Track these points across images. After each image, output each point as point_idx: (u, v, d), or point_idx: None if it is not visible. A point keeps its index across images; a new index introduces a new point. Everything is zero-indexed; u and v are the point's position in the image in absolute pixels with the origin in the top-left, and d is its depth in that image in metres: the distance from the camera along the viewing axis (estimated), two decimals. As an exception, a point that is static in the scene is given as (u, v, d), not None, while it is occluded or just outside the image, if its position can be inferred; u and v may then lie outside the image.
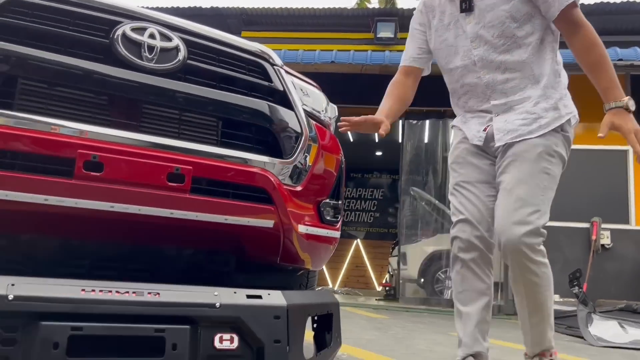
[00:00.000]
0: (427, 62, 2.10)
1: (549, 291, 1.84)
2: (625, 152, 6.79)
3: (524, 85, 1.86)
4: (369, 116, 1.99)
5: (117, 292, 1.29)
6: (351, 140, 11.73)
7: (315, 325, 1.84)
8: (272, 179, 1.67)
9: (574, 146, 1.99)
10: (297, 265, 1.89)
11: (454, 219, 1.96)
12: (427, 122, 8.43)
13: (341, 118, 2.00)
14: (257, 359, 1.42)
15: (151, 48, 1.54)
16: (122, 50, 1.50)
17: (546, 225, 1.79)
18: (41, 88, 1.44)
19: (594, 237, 6.53)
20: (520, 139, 1.82)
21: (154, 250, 1.71)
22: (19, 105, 1.39)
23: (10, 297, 1.17)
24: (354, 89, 7.75)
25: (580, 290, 4.90)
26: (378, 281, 13.05)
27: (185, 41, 1.62)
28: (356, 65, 7.40)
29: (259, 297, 1.47)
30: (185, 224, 1.53)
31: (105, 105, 1.53)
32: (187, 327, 1.33)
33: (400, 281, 8.34)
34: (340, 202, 2.02)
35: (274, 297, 1.49)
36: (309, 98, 1.97)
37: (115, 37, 1.50)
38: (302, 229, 1.78)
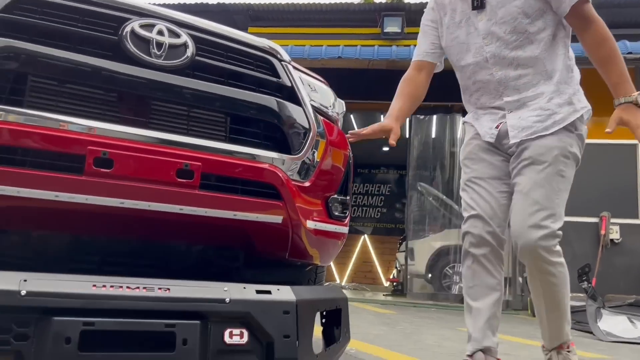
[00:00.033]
0: (439, 57, 2.09)
1: (565, 288, 1.87)
2: (635, 146, 6.74)
3: (536, 81, 1.86)
4: (377, 125, 1.99)
5: (127, 287, 1.30)
6: (358, 135, 11.71)
7: (324, 321, 1.84)
8: (281, 175, 1.67)
9: (583, 141, 1.98)
10: (306, 260, 1.89)
11: (465, 214, 1.95)
12: (435, 117, 8.40)
13: (349, 132, 2.00)
14: (266, 354, 1.43)
15: (160, 45, 1.54)
16: (131, 47, 1.50)
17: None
18: (51, 85, 1.44)
19: (602, 232, 6.50)
20: (535, 135, 1.82)
21: (163, 246, 1.72)
22: (29, 103, 1.40)
23: (23, 292, 1.18)
24: (361, 84, 7.74)
25: (589, 285, 4.88)
26: (385, 277, 13.06)
27: (193, 37, 1.62)
28: (363, 60, 7.37)
29: (269, 292, 1.48)
30: (194, 220, 1.54)
31: (114, 102, 1.54)
32: (197, 322, 1.33)
33: (408, 276, 8.34)
34: (348, 197, 2.02)
35: (283, 293, 1.50)
36: (316, 94, 1.97)
37: (123, 34, 1.51)
38: (310, 224, 1.78)
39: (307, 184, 1.78)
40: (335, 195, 1.94)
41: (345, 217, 2.00)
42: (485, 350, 1.86)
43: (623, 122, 1.77)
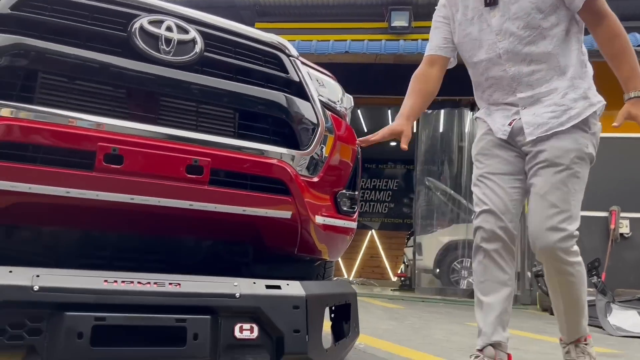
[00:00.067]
0: (452, 52, 2.08)
1: (583, 286, 1.90)
2: (645, 139, 6.67)
3: (549, 76, 1.86)
4: (387, 129, 1.99)
5: (138, 282, 1.31)
6: (365, 130, 11.71)
7: (332, 315, 1.85)
8: (289, 170, 1.68)
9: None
10: (315, 255, 1.90)
11: (477, 209, 1.95)
12: (442, 111, 8.37)
13: (359, 140, 1.98)
14: (276, 349, 1.43)
15: (168, 41, 1.55)
16: (140, 43, 1.51)
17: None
18: (61, 82, 1.45)
19: (612, 226, 6.45)
20: (550, 132, 1.82)
21: (173, 241, 1.73)
22: (40, 99, 1.40)
23: (36, 288, 1.19)
24: (368, 79, 7.72)
25: (599, 279, 4.85)
26: (393, 271, 13.06)
27: (201, 33, 1.62)
28: (370, 55, 7.35)
29: (278, 287, 1.48)
30: (204, 215, 1.55)
31: (123, 98, 1.54)
32: (208, 317, 1.34)
33: (416, 271, 8.33)
34: (356, 192, 2.02)
35: (292, 288, 1.51)
36: (324, 89, 1.97)
37: (132, 30, 1.51)
38: (319, 219, 1.78)
39: (315, 179, 1.78)
40: (344, 191, 1.94)
41: (354, 212, 2.00)
42: (495, 345, 1.86)
43: (631, 116, 1.79)
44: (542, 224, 1.81)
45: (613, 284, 5.50)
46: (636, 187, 6.72)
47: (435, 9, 2.13)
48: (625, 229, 6.59)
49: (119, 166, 1.40)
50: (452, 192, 8.19)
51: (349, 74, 6.66)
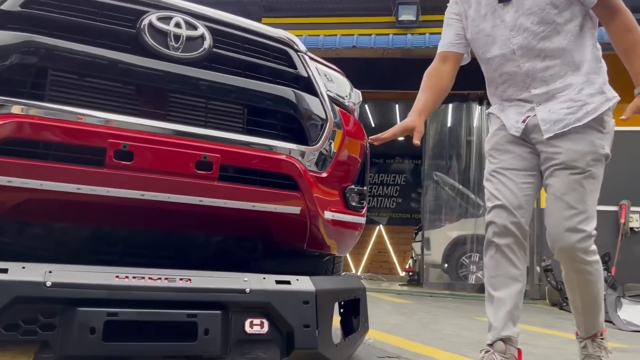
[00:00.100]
0: (465, 48, 2.07)
1: (600, 283, 1.92)
2: (656, 133, 6.61)
3: (564, 72, 1.86)
4: (398, 126, 1.97)
5: (150, 278, 1.32)
6: (373, 125, 11.68)
7: (342, 311, 1.85)
8: (298, 166, 1.68)
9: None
10: (324, 251, 1.90)
11: (489, 204, 1.95)
12: (451, 105, 8.32)
13: (370, 138, 1.96)
14: (286, 344, 1.44)
15: (177, 37, 1.55)
16: (149, 39, 1.51)
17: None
18: (70, 79, 1.46)
19: (622, 220, 6.41)
20: (568, 128, 1.82)
21: (183, 237, 1.73)
22: (50, 96, 1.41)
23: (48, 284, 1.20)
24: (376, 73, 7.69)
25: (609, 274, 4.83)
26: (401, 266, 13.05)
27: (210, 29, 1.62)
28: (378, 49, 7.32)
29: (288, 282, 1.49)
30: (213, 211, 1.56)
31: (133, 95, 1.55)
32: (219, 312, 1.35)
33: (424, 266, 8.32)
34: (365, 188, 2.02)
35: (302, 283, 1.51)
36: (333, 84, 1.97)
37: (141, 26, 1.51)
38: (328, 215, 1.78)
39: (324, 174, 1.78)
40: (353, 186, 1.94)
41: (363, 208, 2.00)
42: (505, 340, 1.85)
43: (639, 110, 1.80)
44: (561, 225, 1.83)
45: (623, 278, 5.47)
46: (646, 181, 6.66)
47: (444, 4, 2.12)
48: (635, 223, 6.54)
49: (129, 162, 1.40)
50: (461, 186, 8.15)
51: (356, 68, 6.63)
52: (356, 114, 2.13)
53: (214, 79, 1.59)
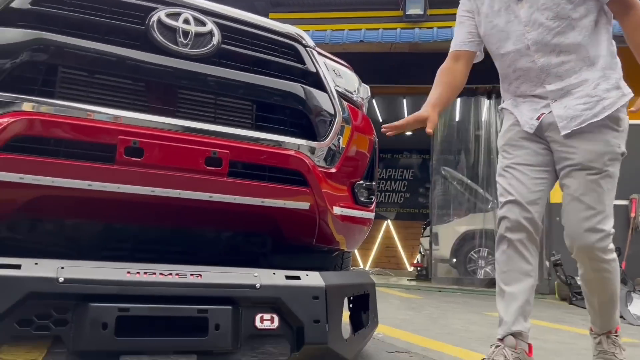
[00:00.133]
0: (478, 46, 2.06)
1: (617, 280, 1.93)
2: (666, 126, 6.55)
3: (579, 67, 1.85)
4: (412, 116, 1.96)
5: (161, 274, 1.32)
6: (380, 120, 11.64)
7: (351, 306, 1.85)
8: (307, 161, 1.68)
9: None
10: (333, 246, 1.90)
11: (502, 199, 1.95)
12: (459, 100, 8.26)
13: (382, 126, 1.95)
14: (297, 339, 1.45)
15: (186, 33, 1.55)
16: (158, 36, 1.52)
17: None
18: (81, 76, 1.47)
19: (632, 215, 6.37)
20: (585, 124, 1.81)
21: (193, 232, 1.74)
22: (60, 93, 1.42)
23: (61, 279, 1.21)
24: (383, 68, 7.66)
25: (620, 268, 4.79)
26: (409, 261, 13.04)
27: (218, 25, 1.62)
28: (385, 43, 7.28)
29: (298, 278, 1.49)
30: (223, 207, 1.56)
31: (142, 92, 1.56)
32: (229, 307, 1.36)
33: (433, 261, 8.31)
34: (374, 183, 2.02)
35: (312, 278, 1.51)
36: (341, 79, 1.97)
37: (150, 23, 1.52)
38: (337, 210, 1.78)
39: (333, 170, 1.78)
40: (361, 181, 1.94)
41: (371, 203, 2.00)
42: (516, 335, 1.85)
43: None
44: (580, 226, 1.83)
45: (634, 272, 5.43)
46: (657, 175, 6.60)
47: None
48: (646, 217, 6.49)
49: (139, 159, 1.41)
50: (469, 181, 8.12)
51: (364, 63, 6.62)
52: (365, 109, 2.13)
53: (222, 75, 1.60)
